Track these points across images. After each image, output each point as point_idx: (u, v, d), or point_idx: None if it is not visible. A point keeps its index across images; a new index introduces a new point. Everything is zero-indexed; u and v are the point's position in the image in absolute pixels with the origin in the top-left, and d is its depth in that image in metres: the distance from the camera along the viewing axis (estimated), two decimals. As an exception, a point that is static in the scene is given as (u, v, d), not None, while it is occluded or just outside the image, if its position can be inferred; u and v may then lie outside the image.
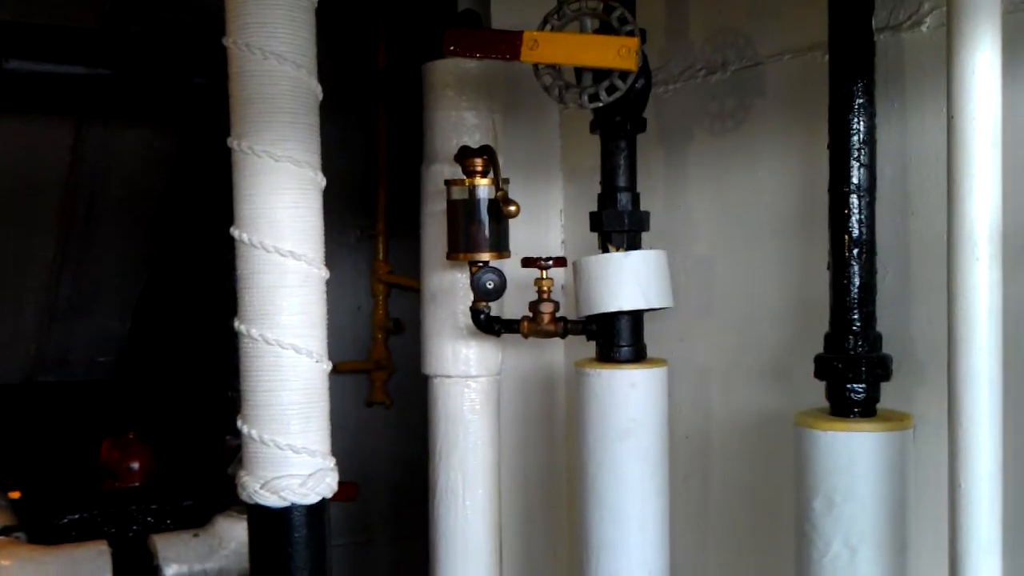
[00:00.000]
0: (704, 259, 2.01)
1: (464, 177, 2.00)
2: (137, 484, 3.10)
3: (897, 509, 1.53)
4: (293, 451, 1.72)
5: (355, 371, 3.25)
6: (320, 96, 1.63)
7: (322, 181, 1.71)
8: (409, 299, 2.47)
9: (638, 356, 1.93)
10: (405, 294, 3.11)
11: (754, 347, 1.92)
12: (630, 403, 1.89)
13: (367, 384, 3.30)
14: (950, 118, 1.32)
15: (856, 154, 1.56)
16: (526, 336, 2.06)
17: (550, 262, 2.01)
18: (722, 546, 2.00)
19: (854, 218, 1.56)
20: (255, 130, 1.65)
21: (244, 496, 1.78)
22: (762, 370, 1.90)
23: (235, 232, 1.69)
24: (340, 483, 1.87)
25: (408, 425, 2.66)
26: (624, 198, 1.92)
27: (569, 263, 2.04)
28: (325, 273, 1.73)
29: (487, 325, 2.08)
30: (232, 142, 1.68)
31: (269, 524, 1.76)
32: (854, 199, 1.56)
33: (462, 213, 2.01)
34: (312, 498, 1.73)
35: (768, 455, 1.85)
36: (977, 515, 1.33)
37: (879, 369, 1.58)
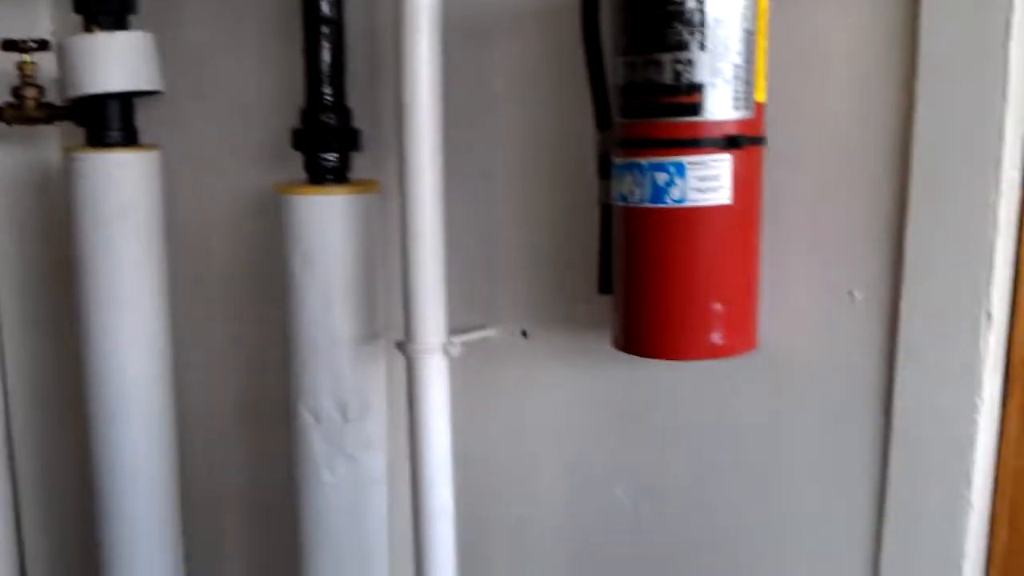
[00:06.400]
0: (196, 46, 2.02)
1: (-78, -57, 1.83)
2: None
3: (366, 263, 1.73)
4: None
5: None
6: None
7: None
8: None
9: (129, 140, 1.94)
10: None
11: (251, 132, 1.98)
12: (122, 186, 1.90)
13: None
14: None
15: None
16: (9, 123, 1.97)
17: (32, 44, 1.93)
18: (224, 312, 2.10)
19: (324, -4, 1.67)
20: None
21: None
22: (259, 154, 1.97)
23: None
24: None
25: None
26: (109, -22, 1.87)
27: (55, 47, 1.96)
28: None
29: (-36, 111, 1.95)
30: None
31: None
32: (323, -21, 1.66)
33: (-79, -16, 1.84)
34: None
35: (264, 229, 1.95)
36: (423, 259, 1.56)
37: (349, 140, 1.74)
